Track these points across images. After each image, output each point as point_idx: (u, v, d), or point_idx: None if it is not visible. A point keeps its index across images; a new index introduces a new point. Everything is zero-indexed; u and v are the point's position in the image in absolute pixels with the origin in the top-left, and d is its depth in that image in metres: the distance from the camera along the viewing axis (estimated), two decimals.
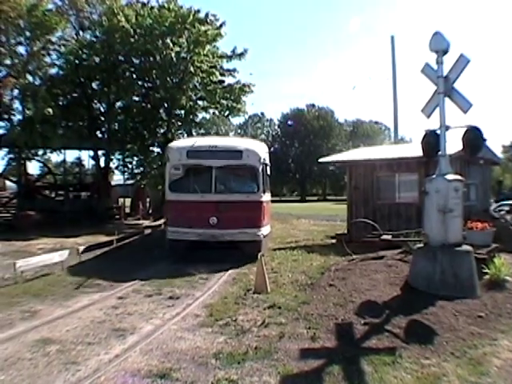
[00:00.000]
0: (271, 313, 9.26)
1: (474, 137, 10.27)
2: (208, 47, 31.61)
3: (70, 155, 45.72)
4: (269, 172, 18.72)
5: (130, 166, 35.89)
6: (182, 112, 32.86)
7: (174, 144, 18.58)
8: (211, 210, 15.90)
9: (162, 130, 33.76)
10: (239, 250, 15.61)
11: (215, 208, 15.89)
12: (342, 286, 10.87)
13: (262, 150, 17.61)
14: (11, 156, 32.90)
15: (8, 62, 30.76)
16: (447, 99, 10.48)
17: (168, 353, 7.26)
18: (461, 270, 9.68)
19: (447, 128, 10.41)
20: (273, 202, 29.34)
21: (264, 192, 16.94)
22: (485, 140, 10.75)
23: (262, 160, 16.76)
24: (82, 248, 16.73)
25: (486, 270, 10.45)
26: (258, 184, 16.62)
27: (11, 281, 12.57)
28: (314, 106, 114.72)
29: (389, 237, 15.49)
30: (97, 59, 31.32)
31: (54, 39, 31.78)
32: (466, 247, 10.10)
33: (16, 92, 30.58)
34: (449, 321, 8.17)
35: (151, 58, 30.37)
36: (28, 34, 30.21)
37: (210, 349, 7.36)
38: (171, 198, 16.98)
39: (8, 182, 39.41)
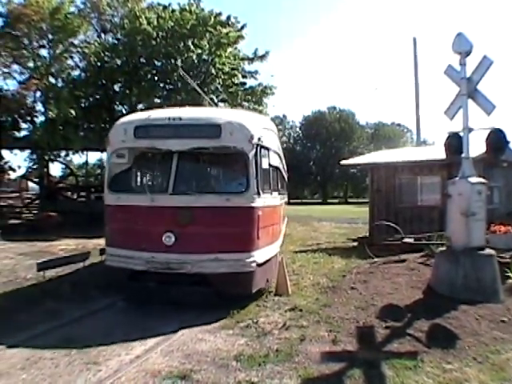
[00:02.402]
0: (292, 315, 9.25)
1: (497, 139, 10.17)
2: (229, 49, 31.75)
3: (92, 157, 46.23)
4: (274, 161, 12.98)
5: None
6: None
7: (120, 120, 11.76)
8: (166, 222, 9.98)
9: None
10: (214, 289, 9.79)
11: (172, 218, 9.93)
12: (363, 289, 10.85)
13: (255, 125, 10.91)
14: (34, 157, 33.26)
15: (31, 64, 31.17)
16: (470, 101, 10.42)
17: (189, 354, 7.29)
18: (483, 273, 9.59)
19: (470, 130, 10.35)
20: (293, 204, 29.15)
21: (259, 192, 10.32)
22: (508, 142, 10.62)
23: (255, 140, 10.28)
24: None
25: (509, 274, 10.39)
26: (248, 179, 10.11)
27: (33, 281, 12.68)
28: (335, 108, 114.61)
29: (411, 240, 15.49)
30: (119, 62, 31.48)
31: (76, 42, 32.11)
32: (488, 251, 10.01)
33: (39, 94, 30.89)
34: (471, 325, 8.11)
35: (173, 61, 30.47)
36: (50, 36, 30.60)
37: (231, 351, 7.38)
38: (110, 202, 10.94)
39: (30, 183, 39.88)
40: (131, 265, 10.16)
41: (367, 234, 21.38)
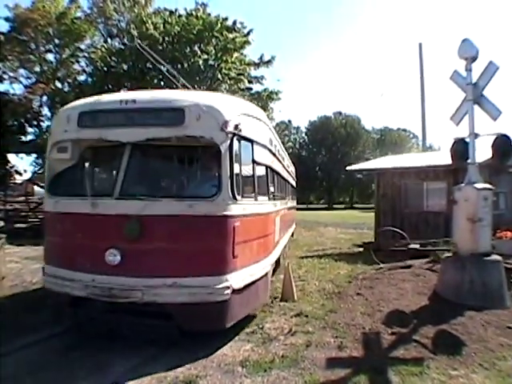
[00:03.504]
0: (298, 321, 9.22)
1: (503, 144, 10.13)
2: (236, 54, 31.87)
3: None
4: (262, 158, 10.10)
5: None
6: None
7: (66, 106, 9.43)
8: (110, 235, 7.70)
9: None
10: (175, 323, 7.56)
11: (118, 230, 7.57)
12: (369, 295, 10.83)
13: (232, 109, 8.39)
14: (40, 161, 33.41)
15: (37, 69, 31.51)
16: (476, 106, 10.41)
17: (194, 360, 7.27)
18: (490, 279, 9.57)
19: (476, 136, 10.34)
20: (299, 209, 29.05)
21: (235, 197, 7.91)
22: None
23: (230, 128, 7.96)
24: None
25: None
26: (220, 179, 7.86)
27: (39, 285, 12.68)
28: (340, 113, 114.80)
29: (417, 246, 15.48)
30: (125, 66, 31.66)
31: (82, 47, 32.37)
32: (495, 257, 9.98)
33: (45, 98, 31.11)
34: (477, 331, 8.07)
35: (179, 66, 30.56)
36: (57, 41, 30.95)
37: (237, 356, 7.36)
38: (48, 208, 8.91)
39: (36, 188, 40.00)
40: (68, 289, 7.89)
41: (373, 240, 21.35)
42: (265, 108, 33.51)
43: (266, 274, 9.70)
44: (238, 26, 32.38)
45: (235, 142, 8.04)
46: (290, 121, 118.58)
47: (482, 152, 11.10)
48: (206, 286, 7.43)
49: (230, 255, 7.74)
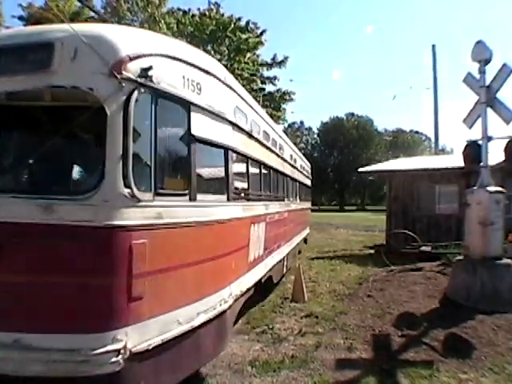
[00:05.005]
0: (308, 322, 9.24)
1: None
2: (249, 55, 31.87)
3: None
4: (214, 133, 6.39)
5: None
6: None
7: None
8: None
9: None
10: None
11: None
12: (379, 297, 10.81)
13: (140, 44, 4.93)
14: None
15: None
16: (489, 109, 10.35)
17: None
18: (501, 283, 9.51)
19: (489, 139, 10.27)
20: (311, 210, 28.67)
21: (134, 193, 4.47)
22: None
23: (129, 71, 4.54)
24: None
25: None
26: (104, 160, 4.39)
27: None
28: (353, 114, 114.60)
29: (428, 248, 15.43)
30: None
31: None
32: (506, 261, 9.92)
33: None
34: (488, 335, 8.03)
35: None
36: None
37: (246, 356, 7.37)
38: None
39: None
40: None
41: (384, 242, 21.29)
42: (277, 109, 33.49)
43: (223, 314, 6.40)
44: (251, 26, 32.49)
45: (141, 98, 4.75)
46: (302, 122, 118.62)
47: (495, 155, 11.05)
48: (76, 349, 4.24)
49: (122, 296, 4.50)
